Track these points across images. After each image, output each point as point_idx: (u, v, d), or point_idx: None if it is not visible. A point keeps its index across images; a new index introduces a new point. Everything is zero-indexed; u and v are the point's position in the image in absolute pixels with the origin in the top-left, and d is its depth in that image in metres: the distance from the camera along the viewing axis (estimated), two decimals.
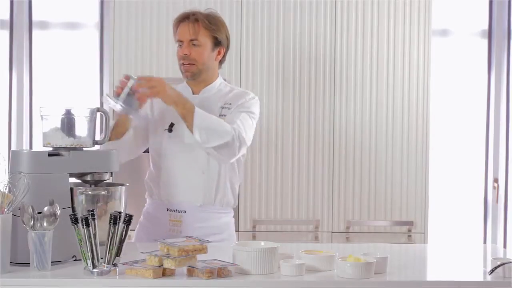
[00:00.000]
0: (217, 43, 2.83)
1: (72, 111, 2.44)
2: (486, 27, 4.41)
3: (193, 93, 2.86)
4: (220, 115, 2.81)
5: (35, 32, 4.27)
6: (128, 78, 2.63)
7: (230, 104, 2.83)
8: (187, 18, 2.81)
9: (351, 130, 3.89)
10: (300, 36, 3.88)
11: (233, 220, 2.95)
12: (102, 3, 4.27)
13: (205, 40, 2.80)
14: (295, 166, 3.87)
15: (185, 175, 2.80)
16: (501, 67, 4.42)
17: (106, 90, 4.23)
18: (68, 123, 2.41)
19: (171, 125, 2.81)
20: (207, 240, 2.23)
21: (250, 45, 3.86)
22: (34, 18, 4.26)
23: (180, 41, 2.81)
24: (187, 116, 2.67)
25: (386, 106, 3.90)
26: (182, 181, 2.80)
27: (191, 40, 2.78)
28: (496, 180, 4.43)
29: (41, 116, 2.45)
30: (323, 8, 3.88)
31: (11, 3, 4.22)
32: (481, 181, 4.45)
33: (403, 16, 3.91)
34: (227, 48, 2.89)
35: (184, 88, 2.87)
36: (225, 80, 2.99)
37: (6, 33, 4.24)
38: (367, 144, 3.90)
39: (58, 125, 2.41)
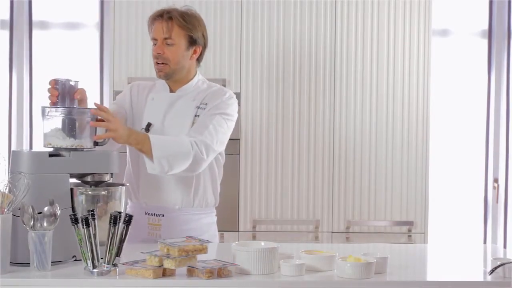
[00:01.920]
0: (192, 42, 2.77)
1: (73, 112, 2.43)
2: (486, 27, 4.41)
3: (171, 91, 2.84)
4: (195, 115, 2.76)
5: (35, 32, 4.27)
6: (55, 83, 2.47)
7: (206, 104, 2.78)
8: (161, 16, 2.75)
9: (351, 130, 3.89)
10: (300, 36, 3.88)
11: (215, 219, 2.91)
12: (102, 3, 4.27)
13: (179, 39, 2.75)
14: (295, 166, 3.87)
15: (161, 179, 2.75)
16: (501, 67, 4.42)
17: (106, 90, 4.24)
18: (69, 124, 2.41)
19: (148, 125, 2.77)
20: (207, 240, 2.23)
21: (250, 45, 3.86)
22: (34, 18, 4.26)
23: (155, 39, 2.76)
24: (145, 149, 2.59)
25: (386, 106, 3.90)
26: (159, 185, 2.76)
27: (165, 38, 2.73)
28: (496, 180, 4.43)
29: (43, 116, 2.44)
30: (323, 8, 3.88)
31: (11, 3, 4.22)
32: (481, 181, 4.45)
33: (403, 16, 3.91)
34: (205, 46, 2.83)
35: (162, 86, 2.85)
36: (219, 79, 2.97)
37: (6, 33, 4.24)
38: (367, 144, 3.90)
39: (59, 125, 2.41)
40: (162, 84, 2.86)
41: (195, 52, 2.80)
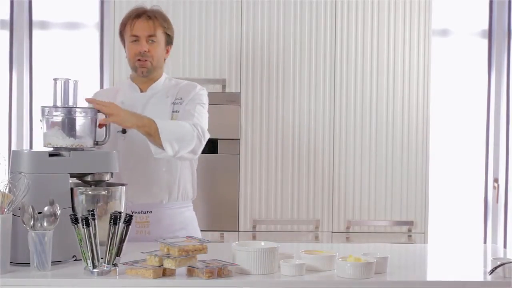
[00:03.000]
0: (168, 40, 2.86)
1: (73, 112, 2.43)
2: (486, 27, 4.41)
3: (141, 91, 2.86)
4: (173, 111, 2.80)
5: (35, 32, 4.27)
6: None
7: (181, 98, 2.83)
8: (143, 14, 2.80)
9: (351, 130, 3.89)
10: (300, 36, 3.88)
11: (194, 213, 2.94)
12: (102, 3, 4.27)
13: (161, 37, 2.82)
14: (295, 166, 3.87)
15: (147, 175, 2.78)
16: (501, 67, 4.42)
17: None
18: (68, 124, 2.41)
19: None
20: (207, 240, 2.23)
21: (250, 45, 3.86)
22: (34, 18, 4.26)
23: (136, 37, 2.78)
24: (152, 133, 2.59)
25: (386, 106, 3.90)
26: (146, 181, 2.77)
27: (149, 36, 2.78)
28: (496, 180, 4.43)
29: (42, 116, 2.45)
30: (323, 8, 3.88)
31: (11, 3, 4.22)
32: (481, 181, 4.45)
33: (403, 16, 3.91)
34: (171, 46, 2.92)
35: (130, 86, 2.87)
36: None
37: (6, 33, 4.24)
38: (367, 144, 3.90)
39: (59, 125, 2.41)
40: (129, 86, 2.88)
41: (167, 50, 2.88)
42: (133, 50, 2.80)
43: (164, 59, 2.90)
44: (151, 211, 2.79)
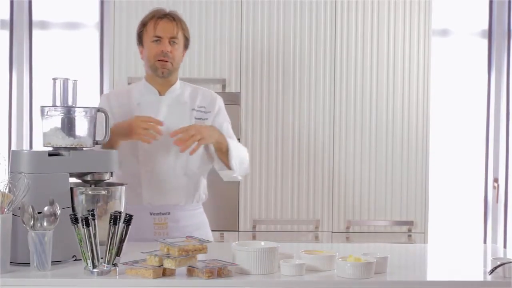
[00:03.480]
0: (186, 44, 2.88)
1: (72, 111, 2.43)
2: (486, 27, 4.41)
3: (159, 94, 2.86)
4: (196, 118, 2.82)
5: (35, 32, 4.27)
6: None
7: (204, 107, 2.86)
8: (166, 15, 2.82)
9: (351, 130, 3.89)
10: (300, 36, 3.87)
11: (205, 214, 2.98)
12: (102, 3, 4.27)
13: (181, 40, 2.84)
14: (295, 166, 3.87)
15: (168, 178, 2.79)
16: (501, 67, 4.42)
17: (106, 90, 4.23)
18: (68, 123, 2.41)
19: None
20: (207, 240, 2.23)
21: (250, 45, 3.86)
22: (34, 18, 4.26)
23: (159, 37, 2.79)
24: (224, 150, 2.76)
25: (386, 106, 3.90)
26: (166, 184, 2.79)
27: (172, 37, 2.79)
28: (496, 180, 4.43)
29: (42, 115, 2.45)
30: (323, 8, 3.88)
31: (11, 3, 4.22)
32: (481, 181, 4.45)
33: (403, 16, 3.91)
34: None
35: (148, 88, 2.86)
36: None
37: (6, 33, 4.24)
38: (367, 144, 3.90)
39: (59, 125, 2.41)
40: (147, 87, 2.87)
41: (183, 54, 2.89)
42: (155, 50, 2.80)
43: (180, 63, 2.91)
44: (169, 213, 2.81)
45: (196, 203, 2.89)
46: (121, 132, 2.66)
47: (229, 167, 2.78)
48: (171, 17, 2.82)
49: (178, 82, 2.90)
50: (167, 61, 2.79)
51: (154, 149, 2.77)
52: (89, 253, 2.13)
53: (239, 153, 2.80)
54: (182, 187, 2.81)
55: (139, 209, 2.78)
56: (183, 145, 2.62)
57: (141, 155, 2.79)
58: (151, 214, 2.79)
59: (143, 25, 2.84)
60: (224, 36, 3.85)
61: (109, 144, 2.61)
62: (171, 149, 2.74)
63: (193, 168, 2.83)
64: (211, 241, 2.31)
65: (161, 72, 2.80)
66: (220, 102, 2.93)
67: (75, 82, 2.47)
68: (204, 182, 2.92)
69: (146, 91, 2.86)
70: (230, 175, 2.82)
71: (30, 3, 4.24)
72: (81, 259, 2.17)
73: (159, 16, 2.81)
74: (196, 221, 2.88)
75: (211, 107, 2.87)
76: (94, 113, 2.50)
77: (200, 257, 2.18)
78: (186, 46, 2.88)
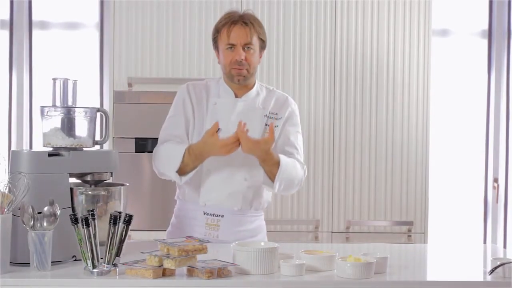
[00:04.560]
0: (262, 45, 2.80)
1: (72, 111, 2.43)
2: (486, 27, 4.41)
3: (236, 96, 2.81)
4: (266, 124, 2.76)
5: (35, 32, 4.27)
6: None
7: (276, 114, 2.79)
8: (239, 20, 2.74)
9: (351, 130, 3.89)
10: (300, 36, 3.88)
11: (264, 222, 2.94)
12: (102, 3, 4.27)
13: (256, 44, 2.75)
14: None
15: (227, 182, 2.75)
16: (501, 67, 4.42)
17: (106, 90, 4.24)
18: (68, 123, 2.41)
19: (217, 130, 2.72)
20: (207, 240, 2.23)
21: None
22: (34, 18, 4.26)
23: (232, 45, 2.72)
24: (274, 171, 2.68)
25: (386, 106, 3.90)
26: (224, 187, 2.74)
27: (246, 44, 2.72)
28: (496, 180, 4.43)
29: (42, 115, 2.45)
30: (323, 8, 3.88)
31: (11, 3, 4.22)
32: (481, 181, 4.45)
33: (403, 16, 3.91)
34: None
35: (226, 91, 2.81)
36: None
37: (6, 33, 4.24)
38: (367, 144, 3.90)
39: (58, 125, 2.41)
40: (224, 88, 2.82)
41: (261, 55, 2.82)
42: (229, 58, 2.73)
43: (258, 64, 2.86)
44: (223, 215, 2.76)
45: (255, 210, 2.83)
46: (204, 152, 2.65)
47: (271, 184, 2.71)
48: (244, 22, 2.73)
49: (256, 86, 2.84)
50: (242, 69, 2.73)
51: None
52: (89, 253, 2.13)
53: (290, 174, 2.70)
54: (240, 193, 2.76)
55: (194, 207, 2.78)
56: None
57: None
58: (204, 213, 2.76)
59: (217, 31, 2.77)
60: None
61: (199, 161, 2.66)
62: (237, 155, 2.67)
63: (255, 176, 2.76)
64: (211, 241, 2.31)
65: (237, 80, 2.75)
66: (292, 107, 2.84)
67: (75, 82, 2.46)
68: (266, 191, 2.85)
69: (223, 92, 2.81)
70: (268, 190, 2.77)
71: (30, 3, 4.24)
72: (81, 259, 2.16)
73: (231, 22, 2.73)
74: (251, 227, 2.82)
75: (282, 113, 2.81)
76: (94, 114, 2.50)
77: (200, 257, 2.18)
78: (263, 47, 2.80)
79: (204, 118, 2.78)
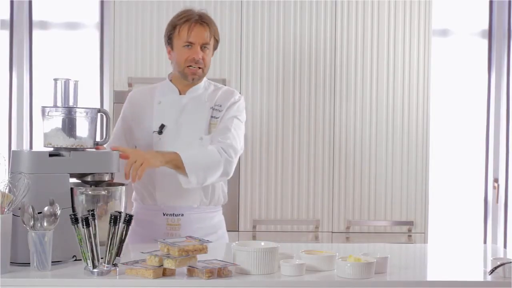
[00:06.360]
0: (216, 46, 2.85)
1: (73, 112, 2.43)
2: (486, 27, 4.41)
3: (180, 93, 2.85)
4: (212, 117, 2.80)
5: (35, 32, 4.27)
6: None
7: (220, 105, 2.82)
8: (198, 19, 2.77)
9: (351, 130, 3.89)
10: (300, 36, 3.88)
11: (223, 217, 2.95)
12: (102, 3, 4.27)
13: (212, 43, 2.81)
14: (295, 166, 3.87)
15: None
16: (501, 67, 4.42)
17: (106, 90, 4.24)
18: (69, 124, 2.41)
19: (162, 126, 2.79)
20: (207, 240, 2.23)
21: (250, 45, 3.86)
22: (34, 18, 4.26)
23: (191, 43, 2.75)
24: (180, 165, 2.64)
25: (386, 106, 3.90)
26: (179, 187, 2.75)
27: (204, 44, 2.76)
28: (496, 180, 4.43)
29: (43, 116, 2.45)
30: (323, 8, 3.88)
31: (11, 3, 4.22)
32: (481, 181, 4.45)
33: (403, 16, 3.91)
34: None
35: (170, 89, 2.85)
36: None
37: (6, 33, 4.24)
38: (367, 144, 3.90)
39: (59, 125, 2.41)
40: (168, 86, 2.86)
41: (212, 55, 2.86)
42: (186, 56, 2.76)
43: None
44: (182, 214, 2.79)
45: (214, 206, 2.85)
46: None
47: (187, 180, 2.68)
48: (204, 22, 2.77)
49: (203, 82, 2.87)
50: (198, 68, 2.77)
51: (169, 147, 2.75)
52: (89, 253, 2.13)
53: (199, 162, 2.66)
54: (196, 190, 2.77)
55: (153, 209, 2.81)
56: (131, 175, 2.53)
57: None
58: (164, 214, 2.79)
59: (173, 27, 2.78)
60: (224, 36, 3.85)
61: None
62: (186, 149, 2.70)
63: None
64: (211, 241, 2.31)
65: (191, 79, 2.79)
66: (235, 98, 2.85)
67: (76, 82, 2.47)
68: (221, 185, 2.87)
69: (168, 90, 2.85)
70: (194, 186, 2.70)
71: (30, 3, 4.24)
72: (81, 259, 2.17)
73: (193, 20, 2.76)
74: (211, 223, 2.84)
75: (225, 103, 2.83)
76: (95, 114, 2.50)
77: (200, 257, 2.18)
78: (215, 47, 2.85)
79: (151, 116, 2.81)
